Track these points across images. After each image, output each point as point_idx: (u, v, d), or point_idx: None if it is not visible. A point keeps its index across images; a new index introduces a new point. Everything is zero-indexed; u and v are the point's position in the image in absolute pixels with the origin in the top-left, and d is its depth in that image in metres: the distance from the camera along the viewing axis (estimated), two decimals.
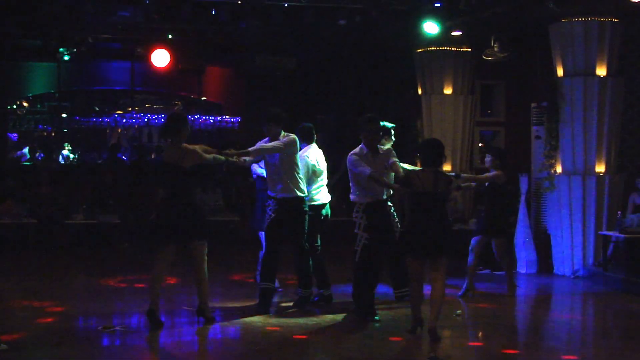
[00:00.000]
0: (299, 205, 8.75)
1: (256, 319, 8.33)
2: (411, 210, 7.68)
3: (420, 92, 15.04)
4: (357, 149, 8.42)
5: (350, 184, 8.50)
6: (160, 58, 15.76)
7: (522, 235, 12.43)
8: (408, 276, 7.98)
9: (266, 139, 8.82)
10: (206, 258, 8.04)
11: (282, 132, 8.69)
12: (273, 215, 8.74)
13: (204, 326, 7.99)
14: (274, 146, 8.59)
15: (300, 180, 8.78)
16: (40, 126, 20.70)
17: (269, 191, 8.86)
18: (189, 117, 18.88)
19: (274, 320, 8.31)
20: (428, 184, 7.52)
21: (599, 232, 11.75)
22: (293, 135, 8.77)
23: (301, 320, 8.36)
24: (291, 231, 8.77)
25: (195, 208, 7.98)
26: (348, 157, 8.44)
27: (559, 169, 12.35)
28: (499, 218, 9.98)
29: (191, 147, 7.92)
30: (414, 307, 7.77)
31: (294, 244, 8.86)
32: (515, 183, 12.96)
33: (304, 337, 7.70)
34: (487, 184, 9.99)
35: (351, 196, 8.47)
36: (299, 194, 8.76)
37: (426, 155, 7.71)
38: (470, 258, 9.99)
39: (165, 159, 7.98)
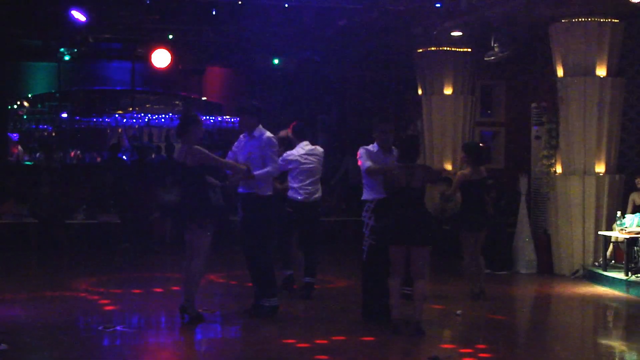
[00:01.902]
0: (260, 203, 8.27)
1: (255, 320, 8.32)
2: (390, 205, 7.90)
3: (420, 92, 15.05)
4: (370, 145, 8.34)
5: (363, 182, 8.36)
6: (161, 58, 15.77)
7: (521, 235, 12.43)
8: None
9: (244, 135, 8.50)
10: (203, 252, 8.04)
11: (260, 126, 8.35)
12: (241, 214, 8.39)
13: (189, 324, 7.98)
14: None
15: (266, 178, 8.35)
16: (41, 126, 20.72)
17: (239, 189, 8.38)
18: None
19: (272, 321, 8.31)
20: (402, 179, 7.76)
21: (599, 232, 11.76)
22: (271, 136, 8.38)
23: (300, 321, 8.36)
24: (250, 231, 8.34)
25: (197, 199, 8.03)
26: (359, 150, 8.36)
27: (558, 169, 12.35)
28: (470, 214, 9.85)
29: (198, 147, 8.02)
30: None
31: (251, 247, 8.37)
32: (513, 183, 13.03)
33: (303, 337, 7.70)
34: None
35: (363, 195, 8.32)
36: (259, 191, 8.26)
37: (401, 150, 7.98)
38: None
39: (175, 157, 8.22)
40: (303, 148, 9.50)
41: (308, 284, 9.58)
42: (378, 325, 8.00)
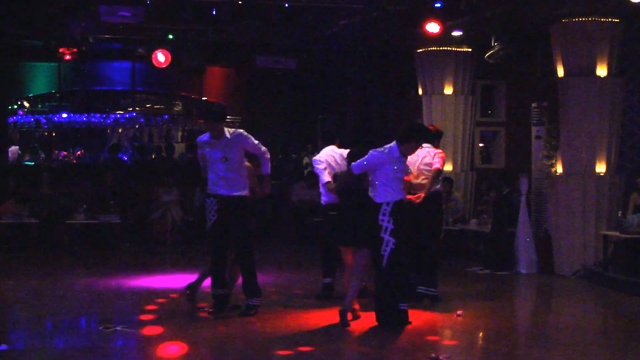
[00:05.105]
0: (244, 204, 8.48)
1: (257, 320, 8.31)
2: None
3: (420, 92, 15.05)
4: (387, 149, 8.08)
5: (375, 182, 8.11)
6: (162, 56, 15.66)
7: (522, 235, 12.42)
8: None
9: (206, 135, 8.51)
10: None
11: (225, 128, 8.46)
12: (216, 216, 8.44)
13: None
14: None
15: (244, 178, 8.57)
16: (42, 126, 20.71)
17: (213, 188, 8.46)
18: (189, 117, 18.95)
19: (279, 323, 8.30)
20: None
21: (599, 232, 11.76)
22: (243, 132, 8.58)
23: (303, 322, 8.35)
24: (236, 232, 8.52)
25: None
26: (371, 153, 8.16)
27: (559, 169, 12.35)
28: None
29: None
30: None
31: (238, 246, 8.56)
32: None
33: (305, 337, 7.70)
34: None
35: (375, 198, 8.04)
36: (243, 192, 8.48)
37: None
38: None
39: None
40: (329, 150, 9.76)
41: (328, 285, 9.83)
42: (388, 330, 7.92)
